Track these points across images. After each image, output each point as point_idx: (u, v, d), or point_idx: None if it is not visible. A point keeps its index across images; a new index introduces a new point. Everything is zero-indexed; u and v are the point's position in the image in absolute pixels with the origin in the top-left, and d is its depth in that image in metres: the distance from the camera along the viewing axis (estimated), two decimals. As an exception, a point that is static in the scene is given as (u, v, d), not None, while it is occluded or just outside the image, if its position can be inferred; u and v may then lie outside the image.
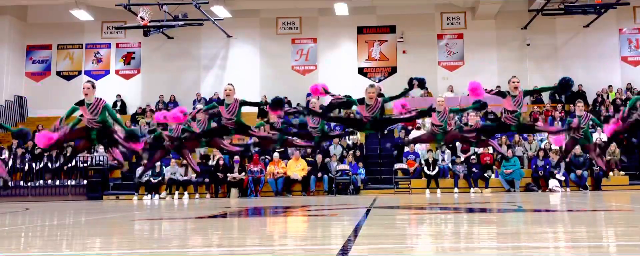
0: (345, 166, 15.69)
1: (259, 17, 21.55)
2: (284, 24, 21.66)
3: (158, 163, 15.55)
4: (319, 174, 15.40)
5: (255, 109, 20.35)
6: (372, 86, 8.76)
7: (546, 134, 17.07)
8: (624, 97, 19.39)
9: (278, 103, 8.55)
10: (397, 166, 16.24)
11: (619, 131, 10.61)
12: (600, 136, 17.02)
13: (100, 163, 16.63)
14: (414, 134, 17.52)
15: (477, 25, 21.05)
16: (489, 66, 21.00)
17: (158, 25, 18.25)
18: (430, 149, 15.84)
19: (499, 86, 20.52)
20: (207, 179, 15.28)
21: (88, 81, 8.05)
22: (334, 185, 15.43)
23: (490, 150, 15.32)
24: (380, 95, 8.67)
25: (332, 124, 10.98)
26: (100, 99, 7.86)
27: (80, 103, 7.93)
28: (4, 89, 20.73)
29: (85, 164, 16.48)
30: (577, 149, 15.72)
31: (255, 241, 3.93)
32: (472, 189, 14.94)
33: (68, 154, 8.51)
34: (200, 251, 3.42)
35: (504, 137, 16.23)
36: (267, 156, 15.92)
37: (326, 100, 10.57)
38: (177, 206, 10.18)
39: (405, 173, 16.13)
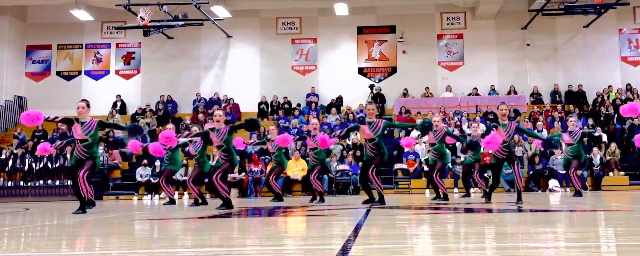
0: (345, 166, 15.69)
1: (259, 17, 21.56)
2: (284, 24, 21.66)
3: (158, 163, 15.58)
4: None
5: (255, 110, 20.38)
6: (370, 102, 8.74)
7: (545, 134, 17.08)
8: (623, 97, 19.39)
9: (254, 124, 8.34)
10: (397, 166, 16.25)
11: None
12: (600, 134, 17.05)
13: (100, 163, 16.62)
14: (415, 134, 17.52)
15: (477, 25, 21.05)
16: (489, 66, 21.01)
17: (158, 26, 18.25)
18: (430, 149, 15.84)
19: (493, 85, 20.57)
20: (206, 180, 15.24)
21: (83, 100, 7.83)
22: (333, 185, 15.44)
23: (490, 150, 15.30)
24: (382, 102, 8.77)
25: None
26: (93, 120, 7.75)
27: (76, 120, 7.82)
28: (4, 89, 20.74)
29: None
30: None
31: (255, 241, 3.93)
32: (472, 189, 14.93)
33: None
34: (200, 251, 3.42)
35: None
36: (267, 156, 15.93)
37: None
38: (177, 206, 10.18)
39: (405, 173, 16.14)
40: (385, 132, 9.62)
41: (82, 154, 7.64)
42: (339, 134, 10.11)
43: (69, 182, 8.59)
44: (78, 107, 7.73)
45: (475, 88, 20.23)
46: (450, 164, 15.69)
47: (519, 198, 8.81)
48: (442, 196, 10.42)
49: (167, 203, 10.77)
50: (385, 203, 8.66)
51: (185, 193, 15.20)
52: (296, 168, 15.38)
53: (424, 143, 16.63)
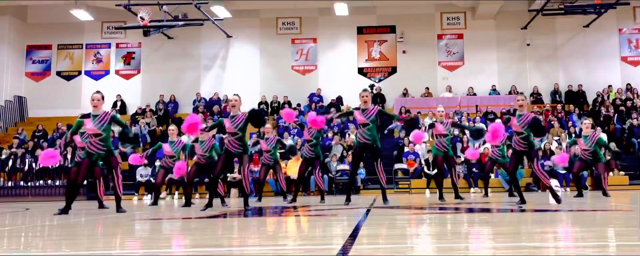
0: (345, 166, 15.69)
1: (259, 17, 21.56)
2: (284, 24, 21.66)
3: (158, 163, 15.57)
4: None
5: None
6: (365, 89, 8.69)
7: (546, 134, 17.08)
8: (623, 97, 19.39)
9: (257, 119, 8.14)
10: (397, 166, 16.25)
11: None
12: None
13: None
14: (415, 134, 17.51)
15: (477, 25, 21.06)
16: (489, 66, 21.01)
17: (158, 26, 18.26)
18: (430, 149, 15.84)
19: (494, 85, 20.58)
20: (207, 179, 15.26)
21: (97, 93, 7.69)
22: (333, 185, 15.44)
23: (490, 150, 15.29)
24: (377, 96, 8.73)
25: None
26: (107, 112, 7.66)
27: (86, 116, 7.74)
28: (4, 89, 20.74)
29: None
30: (577, 150, 15.74)
31: (255, 241, 3.93)
32: (472, 189, 14.94)
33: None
34: (200, 251, 3.42)
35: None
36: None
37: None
38: (177, 206, 10.17)
39: (405, 173, 16.14)
40: (378, 122, 9.48)
41: (98, 149, 7.52)
42: (333, 116, 10.28)
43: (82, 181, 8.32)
44: (93, 99, 7.56)
45: (471, 87, 20.25)
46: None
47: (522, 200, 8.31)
48: (459, 195, 10.18)
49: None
50: (387, 201, 8.59)
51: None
52: (296, 168, 15.36)
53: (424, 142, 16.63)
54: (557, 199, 7.91)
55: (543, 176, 8.02)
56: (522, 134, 8.06)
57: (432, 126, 10.21)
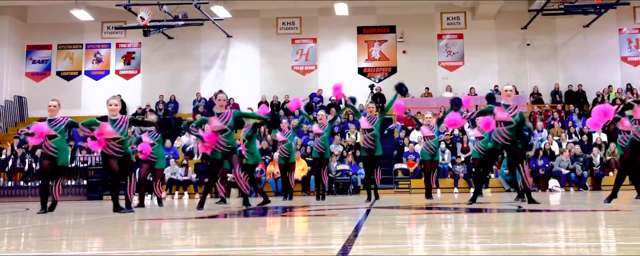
0: (345, 166, 15.70)
1: (259, 17, 21.56)
2: (284, 24, 21.66)
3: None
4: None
5: (256, 110, 20.36)
6: (371, 101, 9.99)
7: (545, 134, 17.09)
8: (624, 97, 19.37)
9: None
10: (397, 166, 16.26)
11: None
12: (599, 136, 17.06)
13: (100, 163, 16.61)
14: (415, 134, 17.53)
15: (477, 25, 21.06)
16: (489, 66, 21.02)
17: (158, 26, 18.27)
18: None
19: (496, 85, 20.57)
20: (206, 179, 15.24)
21: (114, 98, 7.72)
22: (333, 185, 15.44)
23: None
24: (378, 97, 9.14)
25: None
26: (124, 116, 7.75)
27: (103, 119, 7.72)
28: (4, 89, 20.74)
29: (85, 165, 16.48)
30: (577, 150, 15.74)
31: (255, 241, 3.93)
32: (472, 189, 14.92)
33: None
34: (200, 251, 3.42)
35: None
36: (267, 156, 15.93)
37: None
38: (177, 206, 10.18)
39: (405, 173, 16.15)
40: (386, 132, 10.07)
41: (117, 152, 7.56)
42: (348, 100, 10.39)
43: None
44: (111, 104, 7.66)
45: (472, 88, 20.24)
46: (450, 164, 15.69)
47: (521, 196, 8.49)
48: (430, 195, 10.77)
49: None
50: (379, 198, 9.76)
51: (186, 192, 15.19)
52: (296, 168, 15.35)
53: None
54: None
55: (526, 177, 7.79)
56: (509, 125, 7.66)
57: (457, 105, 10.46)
